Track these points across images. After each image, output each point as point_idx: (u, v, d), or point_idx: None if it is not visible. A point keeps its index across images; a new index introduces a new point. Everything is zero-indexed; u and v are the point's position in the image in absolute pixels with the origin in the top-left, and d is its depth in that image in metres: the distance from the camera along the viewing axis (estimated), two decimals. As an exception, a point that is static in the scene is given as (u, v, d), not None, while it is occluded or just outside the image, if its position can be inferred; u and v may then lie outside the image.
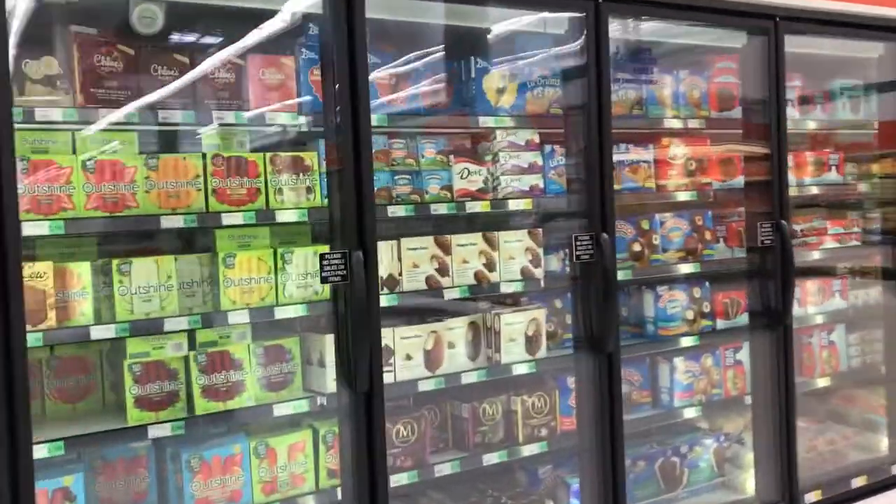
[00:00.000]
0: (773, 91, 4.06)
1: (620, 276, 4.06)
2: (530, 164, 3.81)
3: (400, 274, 3.50)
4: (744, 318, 4.48)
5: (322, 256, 2.92)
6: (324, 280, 2.94)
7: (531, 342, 3.83)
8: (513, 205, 3.74)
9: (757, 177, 4.21)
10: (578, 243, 3.49)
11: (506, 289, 3.75)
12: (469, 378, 3.63)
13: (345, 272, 2.93)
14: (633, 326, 4.43)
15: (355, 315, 2.93)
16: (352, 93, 2.99)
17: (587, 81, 3.53)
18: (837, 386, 5.12)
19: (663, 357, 4.39)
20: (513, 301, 4.03)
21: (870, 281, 5.15)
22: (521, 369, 3.76)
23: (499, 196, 3.74)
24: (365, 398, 3.04)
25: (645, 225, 4.26)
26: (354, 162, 2.99)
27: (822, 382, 4.89)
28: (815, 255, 4.85)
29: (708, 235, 4.47)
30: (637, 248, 4.23)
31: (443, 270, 3.60)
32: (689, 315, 4.39)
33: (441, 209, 3.55)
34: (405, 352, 3.50)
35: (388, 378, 3.43)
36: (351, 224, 2.99)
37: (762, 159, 4.18)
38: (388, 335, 3.46)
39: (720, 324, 4.50)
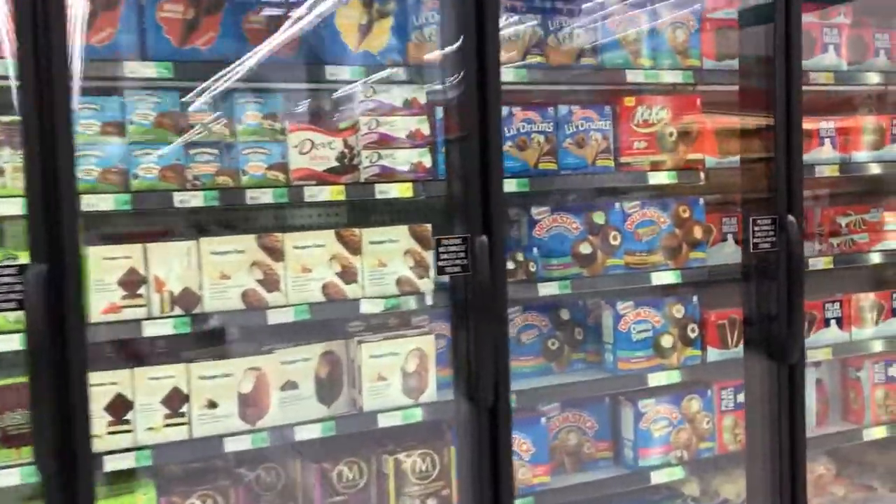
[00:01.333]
0: (782, 17, 2.77)
1: (553, 288, 2.93)
2: (410, 134, 2.72)
3: (201, 288, 2.51)
4: (750, 347, 3.23)
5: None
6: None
7: (412, 381, 2.76)
8: (382, 191, 2.67)
9: (760, 153, 2.94)
10: (443, 249, 2.38)
11: (370, 308, 2.69)
12: (308, 433, 2.61)
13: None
14: (590, 353, 3.28)
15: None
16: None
17: (465, 12, 2.40)
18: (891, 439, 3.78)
19: (627, 398, 3.22)
20: (401, 323, 2.97)
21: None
22: (390, 419, 2.71)
23: (360, 179, 2.68)
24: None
25: (598, 218, 3.09)
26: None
27: (877, 433, 3.57)
28: (873, 257, 3.52)
29: (697, 232, 3.24)
30: (585, 249, 3.06)
31: (270, 283, 2.58)
32: (666, 342, 3.19)
33: (266, 197, 2.53)
34: (206, 396, 2.52)
35: (176, 434, 2.47)
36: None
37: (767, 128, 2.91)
38: (179, 373, 2.48)
39: (713, 354, 3.27)
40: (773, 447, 2.89)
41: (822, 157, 3.45)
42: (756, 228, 2.75)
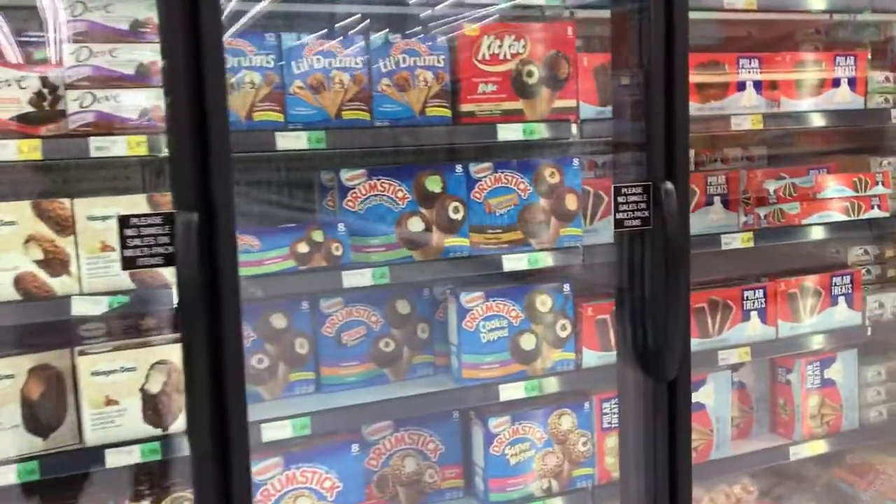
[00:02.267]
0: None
1: (364, 278, 2.22)
2: (141, 69, 1.98)
3: None
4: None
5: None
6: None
7: (158, 407, 2.07)
8: (99, 147, 1.94)
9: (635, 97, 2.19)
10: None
11: (88, 309, 1.98)
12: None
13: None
14: (440, 356, 2.58)
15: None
16: None
17: None
18: (840, 452, 3.10)
19: (477, 415, 2.53)
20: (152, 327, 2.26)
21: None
22: (122, 457, 2.02)
23: (67, 128, 1.95)
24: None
25: (433, 184, 2.36)
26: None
27: (809, 449, 2.88)
28: (806, 232, 2.79)
29: (571, 202, 2.51)
30: (415, 225, 2.34)
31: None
32: (527, 343, 2.49)
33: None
34: None
35: None
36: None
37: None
38: None
39: (591, 358, 2.56)
40: (649, 480, 2.19)
41: (741, 105, 2.70)
42: (621, 200, 2.03)
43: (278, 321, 2.36)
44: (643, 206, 2.05)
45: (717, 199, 2.84)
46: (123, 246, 1.56)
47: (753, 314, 2.77)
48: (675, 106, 2.06)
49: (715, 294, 2.72)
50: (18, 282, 1.93)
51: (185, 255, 1.55)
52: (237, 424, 1.66)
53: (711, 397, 2.76)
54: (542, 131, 2.36)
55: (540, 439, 2.52)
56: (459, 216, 2.38)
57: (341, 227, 2.23)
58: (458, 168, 2.37)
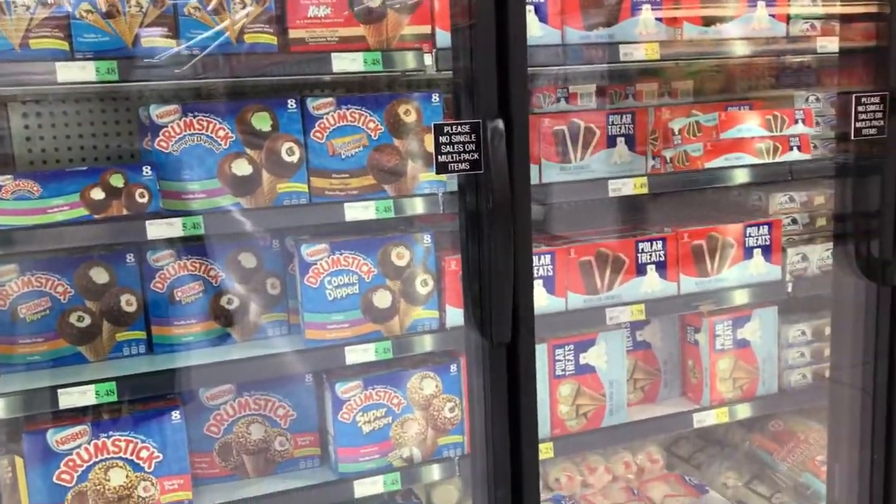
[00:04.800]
0: None
1: (174, 229, 1.98)
2: None
3: None
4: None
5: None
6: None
7: None
8: None
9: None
10: None
11: None
12: None
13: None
14: (294, 314, 2.35)
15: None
16: None
17: None
18: (763, 418, 2.85)
19: (328, 379, 2.30)
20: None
21: (825, 230, 2.72)
22: None
23: None
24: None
25: (261, 121, 2.09)
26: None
27: (720, 416, 2.63)
28: (704, 178, 2.49)
29: (430, 143, 2.23)
30: (240, 168, 2.09)
31: None
32: (381, 300, 2.24)
33: None
34: None
35: None
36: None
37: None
38: None
39: (456, 316, 2.31)
40: (491, 453, 1.96)
41: (635, 31, 2.38)
42: (443, 140, 1.75)
43: (99, 276, 2.14)
44: (471, 147, 1.78)
45: (620, 141, 2.55)
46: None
47: (650, 268, 2.50)
48: (508, 26, 1.76)
49: (603, 246, 2.44)
50: None
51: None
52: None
53: (602, 358, 2.51)
54: (388, 62, 2.08)
55: (398, 405, 2.29)
56: (294, 158, 2.12)
57: (147, 170, 1.98)
58: (292, 104, 2.10)
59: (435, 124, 1.73)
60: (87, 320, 2.13)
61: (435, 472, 2.32)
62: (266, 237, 2.29)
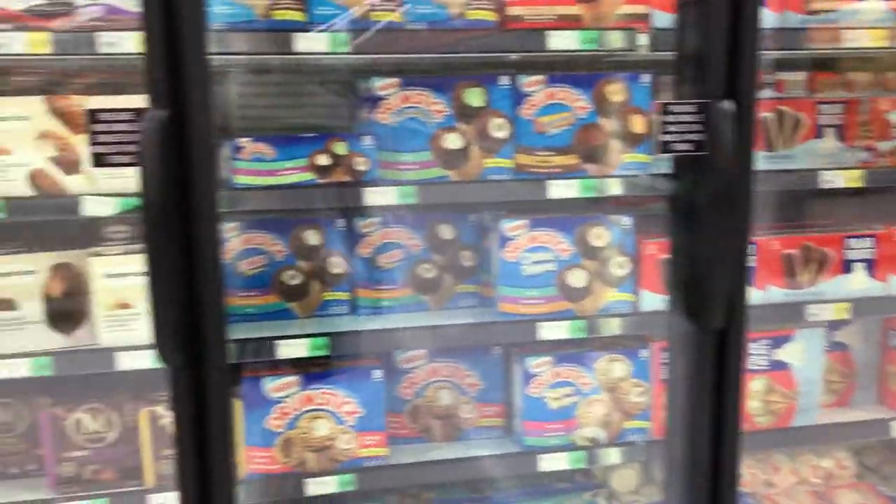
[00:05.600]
0: None
1: (389, 196, 2.07)
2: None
3: None
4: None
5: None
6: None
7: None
8: (108, 43, 1.88)
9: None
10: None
11: (99, 209, 1.96)
12: (11, 369, 1.98)
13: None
14: (486, 287, 2.40)
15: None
16: None
17: None
18: None
19: (519, 352, 2.34)
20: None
21: None
22: (135, 360, 2.01)
23: (75, 24, 1.90)
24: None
25: (474, 97, 2.15)
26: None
27: None
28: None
29: (637, 124, 2.22)
30: (452, 142, 2.15)
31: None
32: (576, 279, 2.26)
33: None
34: None
35: None
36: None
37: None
38: None
39: (652, 301, 2.29)
40: (692, 439, 1.94)
41: (858, 16, 2.27)
42: (670, 119, 1.74)
43: (312, 238, 2.27)
44: (696, 127, 1.76)
45: (829, 131, 2.44)
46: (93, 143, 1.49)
47: (857, 266, 2.38)
48: (741, 4, 1.72)
49: (809, 240, 2.35)
50: (33, 178, 1.93)
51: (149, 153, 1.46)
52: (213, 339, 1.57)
53: (798, 356, 2.42)
54: (603, 41, 2.08)
55: (586, 385, 2.30)
56: (503, 134, 2.16)
57: (368, 140, 2.08)
58: (505, 80, 2.14)
59: (662, 103, 1.72)
60: (299, 279, 2.26)
61: (617, 455, 2.32)
62: (465, 210, 2.35)
